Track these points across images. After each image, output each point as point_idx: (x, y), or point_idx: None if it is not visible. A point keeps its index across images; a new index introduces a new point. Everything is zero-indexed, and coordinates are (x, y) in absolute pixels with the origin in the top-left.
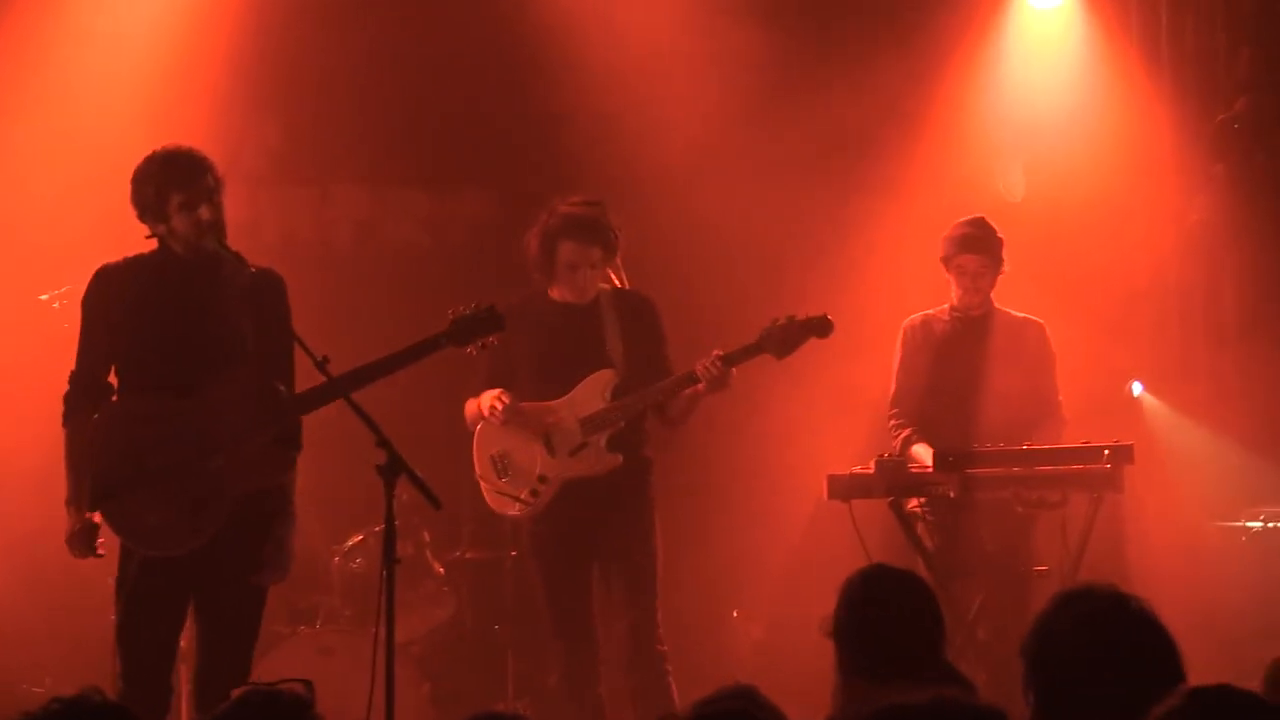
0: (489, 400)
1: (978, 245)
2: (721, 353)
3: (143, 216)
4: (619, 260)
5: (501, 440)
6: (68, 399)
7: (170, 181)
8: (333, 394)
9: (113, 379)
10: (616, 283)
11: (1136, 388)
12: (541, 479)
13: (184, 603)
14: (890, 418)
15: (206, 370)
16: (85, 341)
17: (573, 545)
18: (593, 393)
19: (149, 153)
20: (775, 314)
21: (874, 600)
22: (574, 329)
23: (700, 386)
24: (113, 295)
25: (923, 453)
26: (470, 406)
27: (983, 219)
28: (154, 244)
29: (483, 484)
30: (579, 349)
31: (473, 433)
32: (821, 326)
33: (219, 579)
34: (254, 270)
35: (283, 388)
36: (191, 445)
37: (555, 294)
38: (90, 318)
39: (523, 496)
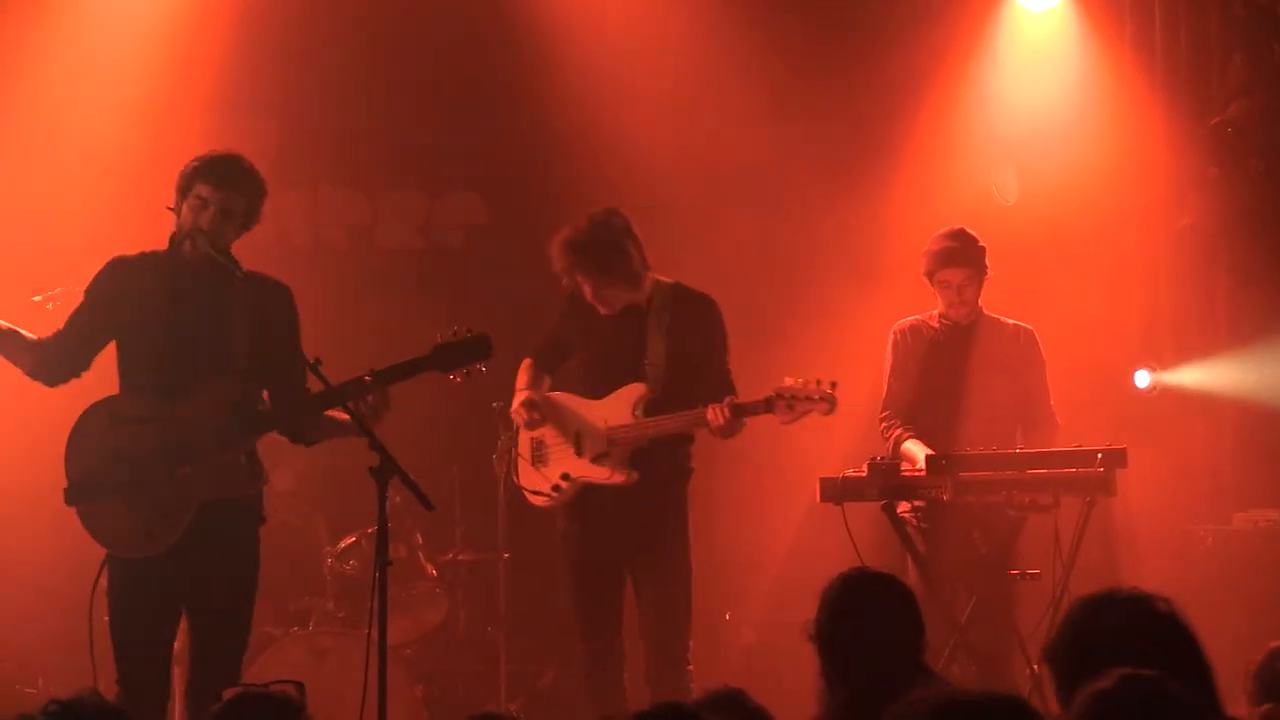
0: (518, 401)
1: (959, 258)
2: (733, 401)
3: (177, 188)
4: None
5: (544, 426)
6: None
7: (206, 174)
8: (317, 405)
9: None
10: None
11: (1143, 377)
12: (565, 476)
13: (174, 607)
14: (881, 419)
15: (196, 377)
16: (81, 316)
17: (604, 549)
18: (623, 404)
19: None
20: (787, 371)
21: (853, 604)
22: (621, 328)
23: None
24: (122, 289)
25: (915, 450)
26: (521, 376)
27: (962, 230)
28: (162, 235)
29: (520, 462)
30: (620, 352)
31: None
32: (827, 406)
33: (203, 584)
34: (258, 278)
35: (285, 395)
36: (168, 452)
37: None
38: (91, 298)
39: (545, 490)
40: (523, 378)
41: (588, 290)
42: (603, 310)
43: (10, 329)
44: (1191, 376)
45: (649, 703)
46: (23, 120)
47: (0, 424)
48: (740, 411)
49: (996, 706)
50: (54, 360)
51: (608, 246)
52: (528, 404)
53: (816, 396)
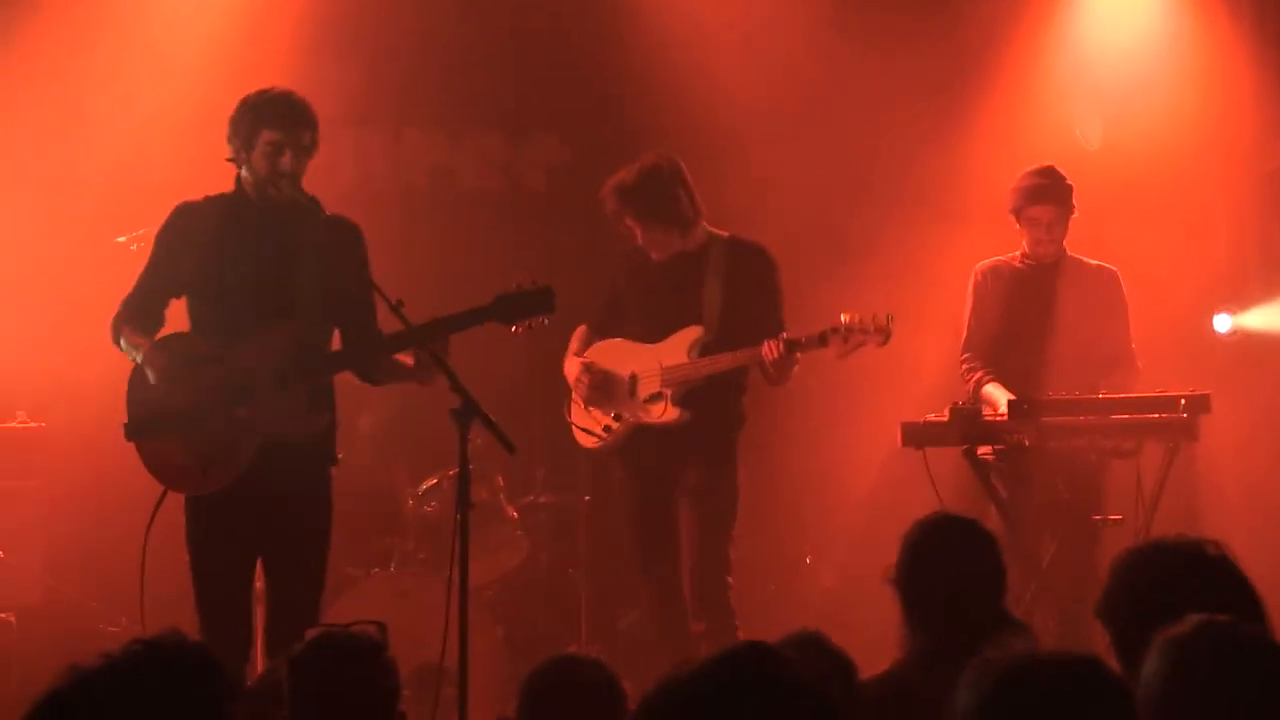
0: (573, 373)
1: (1049, 195)
2: (787, 337)
3: (231, 142)
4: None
5: (599, 370)
6: (117, 321)
7: (268, 119)
8: (389, 347)
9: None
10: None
11: (1223, 322)
12: (616, 417)
13: (250, 548)
14: (962, 362)
15: (260, 318)
16: (149, 271)
17: (656, 489)
18: (679, 345)
19: (266, 86)
20: (850, 303)
21: (934, 548)
22: (676, 275)
23: (768, 367)
24: (189, 231)
25: (995, 394)
26: (573, 343)
27: (1051, 168)
28: (230, 185)
29: (574, 403)
30: (677, 297)
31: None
32: (881, 338)
33: (274, 526)
34: (329, 218)
35: (356, 336)
36: (229, 391)
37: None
38: (160, 250)
39: (597, 431)
40: (574, 345)
41: (638, 234)
42: (654, 256)
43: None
44: (1274, 321)
45: (695, 622)
46: (111, 64)
47: (81, 365)
48: (794, 347)
49: (1071, 669)
50: (144, 319)
51: (657, 192)
52: (584, 369)
53: (871, 329)
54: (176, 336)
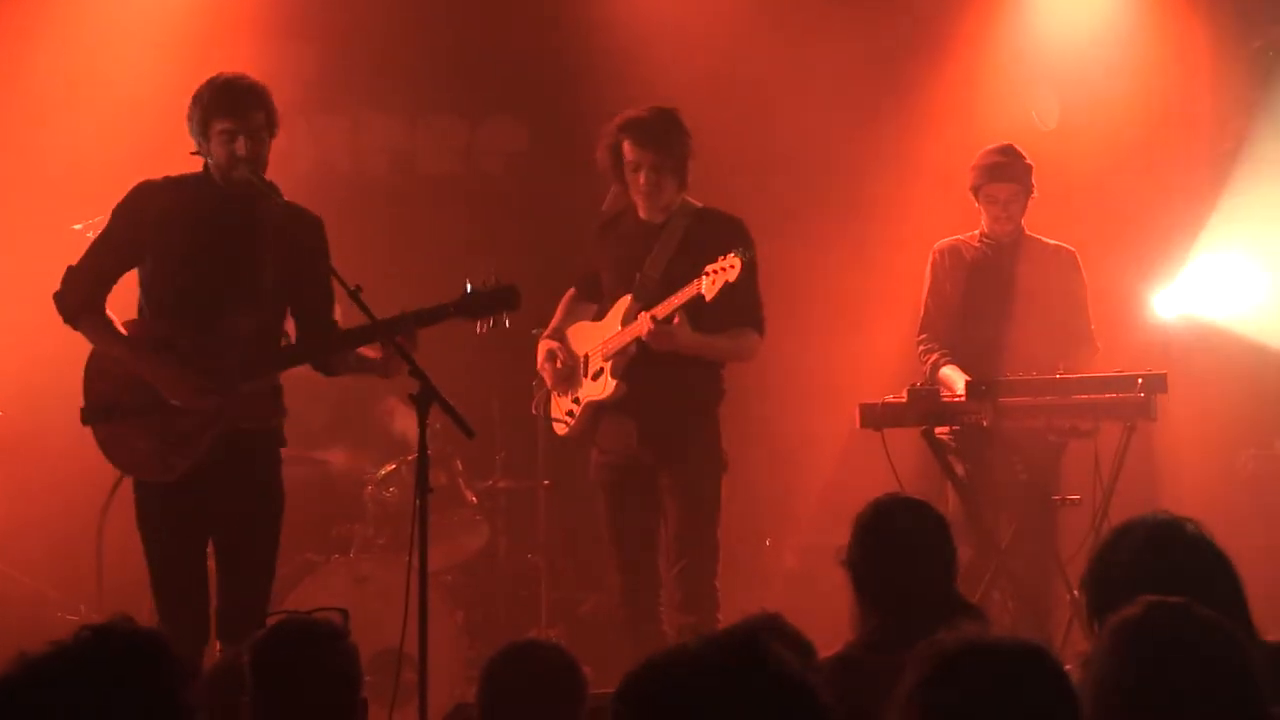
0: (542, 356)
1: (1007, 173)
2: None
3: (192, 133)
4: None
5: (568, 357)
6: (65, 298)
7: (218, 108)
8: (352, 340)
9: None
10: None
11: (1161, 308)
12: (575, 400)
13: (202, 535)
14: (919, 343)
15: (222, 306)
16: (103, 243)
17: (634, 478)
18: (615, 316)
19: (213, 75)
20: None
21: (883, 529)
22: (635, 248)
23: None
24: (148, 210)
25: (952, 375)
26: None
27: (1010, 146)
28: (198, 165)
29: (544, 398)
30: (629, 269)
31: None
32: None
33: (226, 514)
34: (290, 207)
35: (313, 327)
36: (198, 380)
37: (640, 211)
38: (118, 221)
39: (563, 417)
40: (559, 311)
41: (640, 180)
42: (640, 204)
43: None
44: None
45: (685, 615)
46: (66, 48)
47: (38, 351)
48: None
49: (1012, 655)
50: (90, 294)
51: (671, 123)
52: (550, 355)
53: (727, 265)
54: (138, 323)
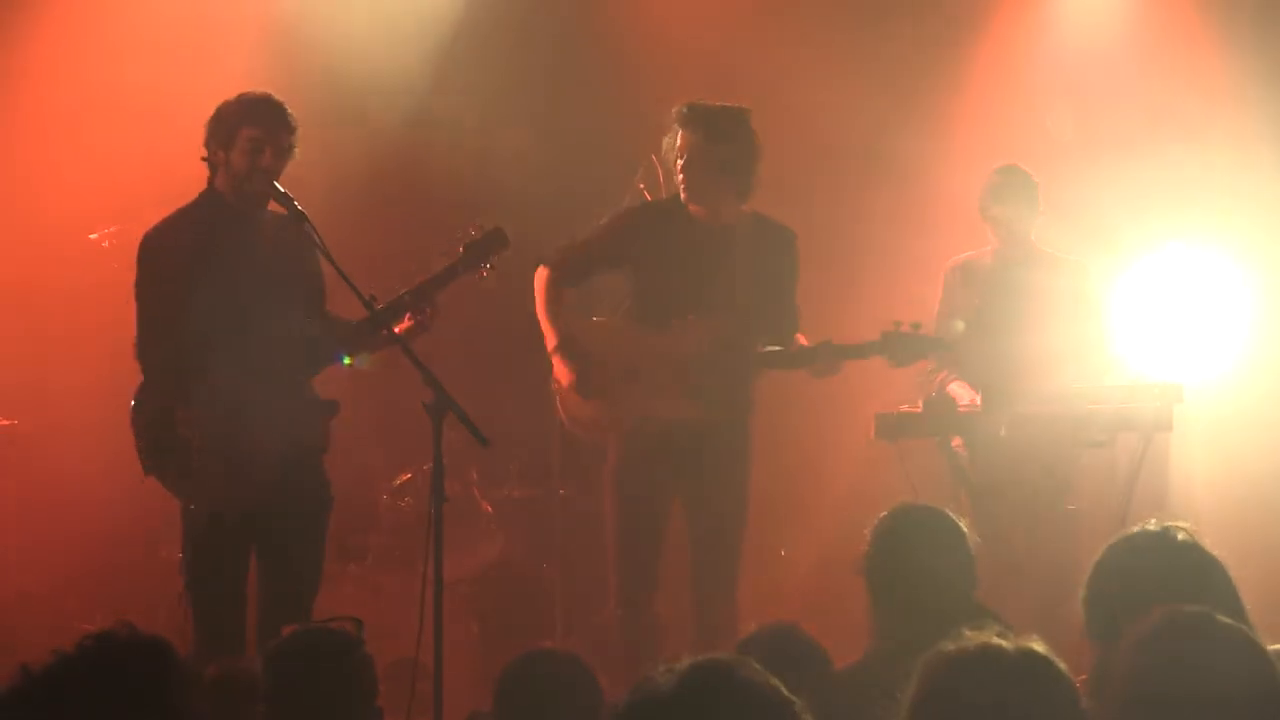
0: (566, 375)
1: (1012, 195)
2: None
3: (208, 143)
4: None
5: (603, 361)
6: (160, 385)
7: (251, 117)
8: (365, 332)
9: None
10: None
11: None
12: (619, 407)
13: (247, 553)
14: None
15: (268, 316)
16: (159, 314)
17: (654, 485)
18: (700, 335)
19: (241, 93)
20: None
21: (900, 539)
22: (703, 254)
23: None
24: (170, 254)
25: (959, 391)
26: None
27: (1015, 167)
28: (196, 187)
29: (566, 400)
30: (705, 277)
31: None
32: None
33: (278, 530)
34: (299, 212)
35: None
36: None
37: (693, 209)
38: (163, 289)
39: (604, 423)
40: (550, 307)
41: (698, 151)
42: (692, 209)
43: None
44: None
45: (696, 626)
46: (82, 62)
47: (55, 361)
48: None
49: (1015, 663)
50: (186, 370)
51: (752, 142)
52: (582, 377)
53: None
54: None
